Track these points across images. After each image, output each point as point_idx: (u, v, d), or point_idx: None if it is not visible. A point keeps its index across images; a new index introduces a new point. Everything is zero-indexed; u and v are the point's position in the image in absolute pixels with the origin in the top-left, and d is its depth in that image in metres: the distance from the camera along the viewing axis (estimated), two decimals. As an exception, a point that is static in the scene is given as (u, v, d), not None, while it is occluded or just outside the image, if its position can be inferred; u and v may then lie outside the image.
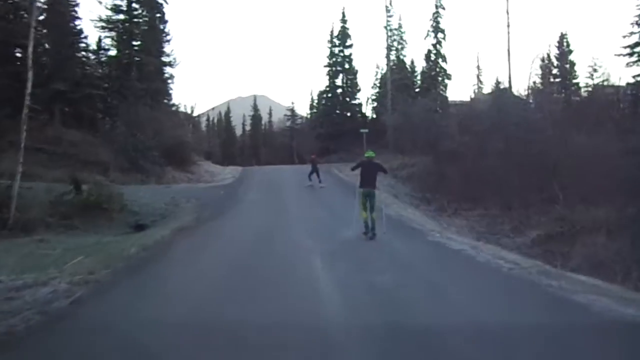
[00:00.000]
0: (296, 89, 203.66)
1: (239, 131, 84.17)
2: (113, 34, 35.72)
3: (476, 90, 60.31)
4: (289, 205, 20.67)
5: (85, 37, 31.98)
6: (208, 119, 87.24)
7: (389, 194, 26.05)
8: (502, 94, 34.97)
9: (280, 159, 61.13)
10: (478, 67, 59.48)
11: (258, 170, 37.06)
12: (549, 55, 51.10)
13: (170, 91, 43.82)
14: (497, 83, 51.86)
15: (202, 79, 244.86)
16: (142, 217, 19.28)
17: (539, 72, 49.47)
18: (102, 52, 34.72)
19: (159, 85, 35.41)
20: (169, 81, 43.23)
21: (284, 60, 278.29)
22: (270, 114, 79.83)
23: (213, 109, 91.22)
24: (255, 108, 78.12)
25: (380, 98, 51.57)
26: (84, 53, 32.30)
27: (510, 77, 33.81)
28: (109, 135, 27.61)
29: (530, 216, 21.23)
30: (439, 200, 27.29)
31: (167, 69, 42.08)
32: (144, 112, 28.62)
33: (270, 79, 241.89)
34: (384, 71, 54.60)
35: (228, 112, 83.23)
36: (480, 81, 60.68)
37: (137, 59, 34.27)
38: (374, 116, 54.00)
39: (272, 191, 24.64)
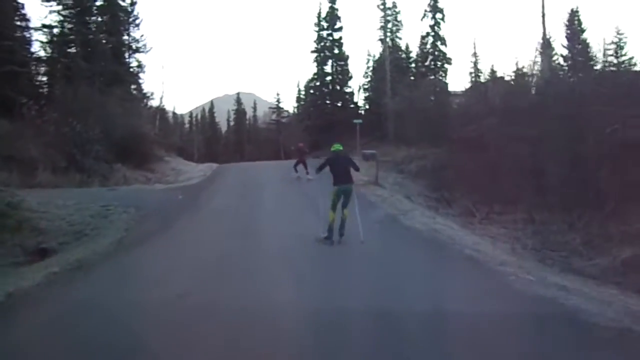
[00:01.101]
0: (283, 85, 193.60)
1: (224, 128, 77.33)
2: (60, 7, 28.73)
3: (473, 80, 53.86)
4: (266, 215, 14.15)
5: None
6: (191, 116, 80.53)
7: (399, 194, 19.62)
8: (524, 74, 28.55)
9: (265, 155, 54.49)
10: (475, 54, 52.48)
11: (236, 168, 30.35)
12: (549, 40, 44.96)
13: (141, 81, 37.69)
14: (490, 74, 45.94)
15: (188, 77, 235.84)
16: (51, 236, 12.60)
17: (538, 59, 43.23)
18: (46, 29, 27.71)
19: (117, 69, 28.52)
20: (138, 69, 36.99)
21: (271, 56, 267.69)
22: (254, 107, 72.83)
23: (197, 107, 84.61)
24: (238, 102, 71.13)
25: (374, 84, 44.94)
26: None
27: (545, 44, 27.24)
28: (34, 124, 20.60)
29: (606, 224, 14.69)
30: (461, 200, 20.84)
31: (138, 56, 36.03)
32: (87, 97, 21.77)
33: (257, 76, 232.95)
34: (376, 57, 48.36)
35: (212, 108, 76.32)
36: (477, 69, 54.06)
37: (91, 37, 27.30)
38: (367, 106, 47.60)
39: (247, 194, 18.15)
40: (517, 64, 44.40)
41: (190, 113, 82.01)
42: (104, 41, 29.31)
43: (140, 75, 37.65)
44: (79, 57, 24.90)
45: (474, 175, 22.20)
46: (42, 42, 27.99)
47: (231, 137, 71.83)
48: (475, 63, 55.35)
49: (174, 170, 27.32)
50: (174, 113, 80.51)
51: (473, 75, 53.18)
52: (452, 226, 13.22)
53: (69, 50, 28.33)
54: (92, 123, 20.75)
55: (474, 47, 75.49)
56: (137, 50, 36.87)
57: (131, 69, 35.93)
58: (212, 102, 78.71)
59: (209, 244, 10.39)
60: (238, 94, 74.84)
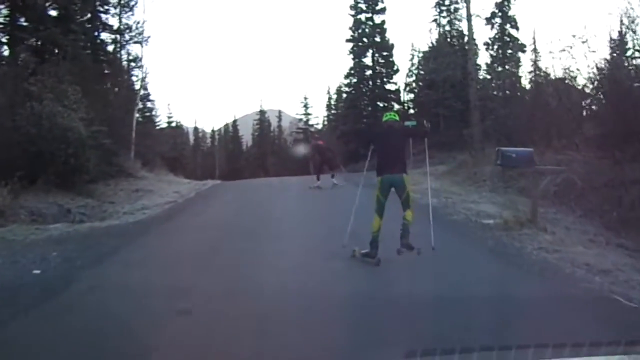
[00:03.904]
0: (311, 95, 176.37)
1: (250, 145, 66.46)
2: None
3: (533, 79, 40.75)
4: None
5: None
6: (213, 132, 69.76)
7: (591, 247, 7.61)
8: None
9: (290, 170, 42.97)
10: (535, 49, 39.11)
11: (240, 188, 18.77)
12: (621, 32, 32.32)
13: (135, 78, 27.84)
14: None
15: (215, 96, 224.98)
16: None
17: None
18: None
19: (54, 35, 17.23)
20: (133, 63, 27.57)
21: (298, 66, 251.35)
22: (279, 117, 61.19)
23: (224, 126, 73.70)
24: (261, 113, 59.62)
25: (427, 77, 32.63)
26: None
27: None
28: None
29: None
30: None
31: (133, 49, 27.22)
32: None
33: (283, 92, 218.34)
34: (421, 54, 36.61)
35: (235, 123, 65.12)
36: (538, 67, 40.93)
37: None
38: (414, 108, 35.67)
39: (220, 268, 6.39)
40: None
41: (213, 129, 71.57)
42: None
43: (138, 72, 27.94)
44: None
45: None
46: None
47: (253, 151, 60.57)
48: (535, 60, 41.94)
49: (135, 192, 15.70)
50: (195, 128, 70.69)
51: (533, 74, 40.29)
52: None
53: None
54: None
55: (534, 41, 55.76)
56: (122, 37, 27.35)
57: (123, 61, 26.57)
58: (234, 118, 68.11)
59: None
60: (261, 107, 63.60)
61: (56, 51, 17.70)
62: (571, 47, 15.20)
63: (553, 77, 18.39)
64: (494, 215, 8.97)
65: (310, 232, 8.55)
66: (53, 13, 19.14)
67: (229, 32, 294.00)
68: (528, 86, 31.06)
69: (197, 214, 11.36)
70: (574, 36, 15.25)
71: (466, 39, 32.97)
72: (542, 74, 25.79)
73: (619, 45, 17.55)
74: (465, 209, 9.60)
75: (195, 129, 71.05)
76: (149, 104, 37.16)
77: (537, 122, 16.52)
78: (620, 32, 17.37)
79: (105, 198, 14.27)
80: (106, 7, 26.18)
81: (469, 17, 20.70)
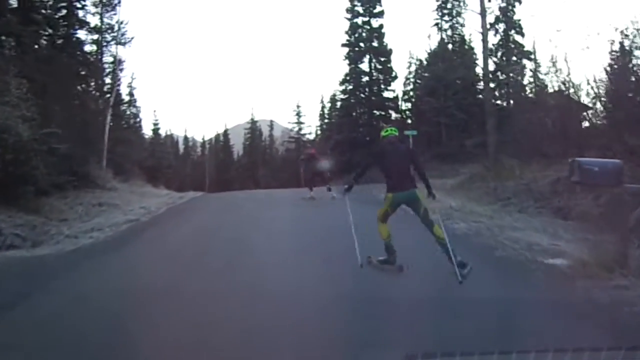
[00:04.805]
0: (304, 105, 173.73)
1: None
2: None
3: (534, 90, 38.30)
4: None
5: None
6: (204, 141, 67.38)
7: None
8: None
9: (282, 180, 40.48)
10: (535, 59, 36.44)
11: (225, 201, 16.26)
12: (622, 45, 30.12)
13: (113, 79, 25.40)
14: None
15: (208, 105, 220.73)
16: None
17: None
18: None
19: (12, 26, 14.75)
20: (113, 65, 25.23)
21: (291, 75, 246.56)
22: (271, 126, 58.62)
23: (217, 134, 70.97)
24: (252, 122, 57.00)
25: (430, 83, 30.21)
26: None
27: None
28: None
29: None
30: None
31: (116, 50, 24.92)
32: None
33: (275, 103, 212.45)
34: (418, 62, 34.58)
35: (226, 133, 62.52)
36: (538, 78, 38.41)
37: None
38: (412, 117, 33.32)
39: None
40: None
41: (203, 138, 69.10)
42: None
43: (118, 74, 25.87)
44: None
45: None
46: None
47: (244, 160, 57.92)
48: (535, 70, 39.36)
49: (97, 206, 13.14)
50: (185, 137, 68.08)
51: (533, 86, 37.79)
52: None
53: None
54: None
55: (534, 51, 49.14)
56: (104, 37, 25.28)
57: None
58: (225, 127, 65.77)
59: None
60: (252, 116, 60.93)
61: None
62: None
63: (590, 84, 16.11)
64: (551, 250, 6.47)
65: (297, 279, 5.92)
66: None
67: (221, 42, 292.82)
68: (531, 94, 29.13)
69: (153, 241, 8.79)
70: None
71: (468, 38, 31.12)
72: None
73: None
74: (508, 239, 7.11)
75: (185, 138, 68.68)
76: (133, 110, 35.05)
77: (569, 131, 14.12)
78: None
79: (55, 215, 11.68)
80: (83, 3, 23.90)
81: (483, 13, 18.41)
